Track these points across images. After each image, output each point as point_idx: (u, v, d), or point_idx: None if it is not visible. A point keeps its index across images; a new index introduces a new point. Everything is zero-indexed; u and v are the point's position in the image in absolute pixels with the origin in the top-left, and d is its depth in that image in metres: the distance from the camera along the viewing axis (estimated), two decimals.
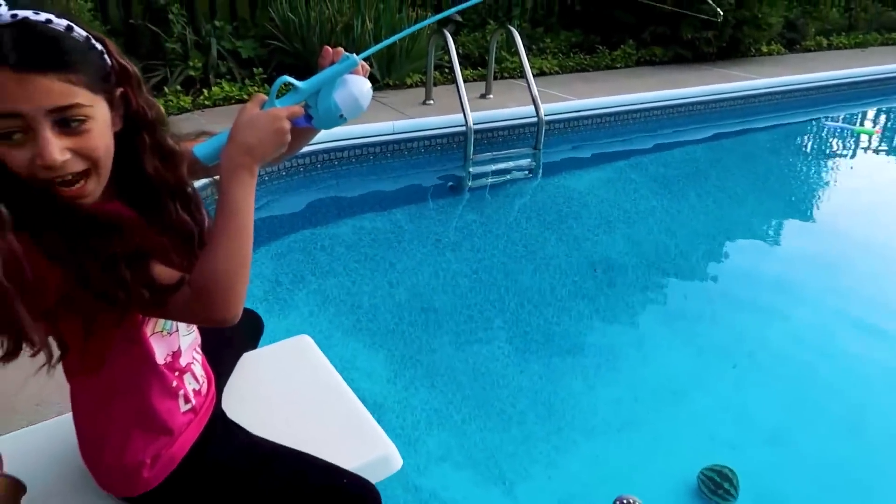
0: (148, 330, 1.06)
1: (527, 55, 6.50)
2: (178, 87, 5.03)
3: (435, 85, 5.54)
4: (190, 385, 1.17)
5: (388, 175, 4.70)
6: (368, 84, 1.09)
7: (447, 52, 6.22)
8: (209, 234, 1.03)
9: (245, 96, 5.04)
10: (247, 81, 5.27)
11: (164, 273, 0.97)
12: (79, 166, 0.91)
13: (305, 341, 1.57)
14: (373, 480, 1.16)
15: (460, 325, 3.21)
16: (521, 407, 2.67)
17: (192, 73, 5.17)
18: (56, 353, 0.96)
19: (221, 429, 1.22)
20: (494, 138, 5.01)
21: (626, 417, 2.59)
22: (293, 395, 1.40)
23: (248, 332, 1.57)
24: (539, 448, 2.43)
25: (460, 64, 6.21)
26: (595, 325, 3.25)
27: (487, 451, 2.39)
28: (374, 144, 4.57)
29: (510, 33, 4.93)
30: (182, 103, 4.77)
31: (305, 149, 4.10)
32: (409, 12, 5.95)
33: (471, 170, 4.61)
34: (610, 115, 5.55)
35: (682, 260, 3.96)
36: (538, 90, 5.00)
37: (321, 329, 3.14)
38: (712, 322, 3.33)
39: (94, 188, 0.94)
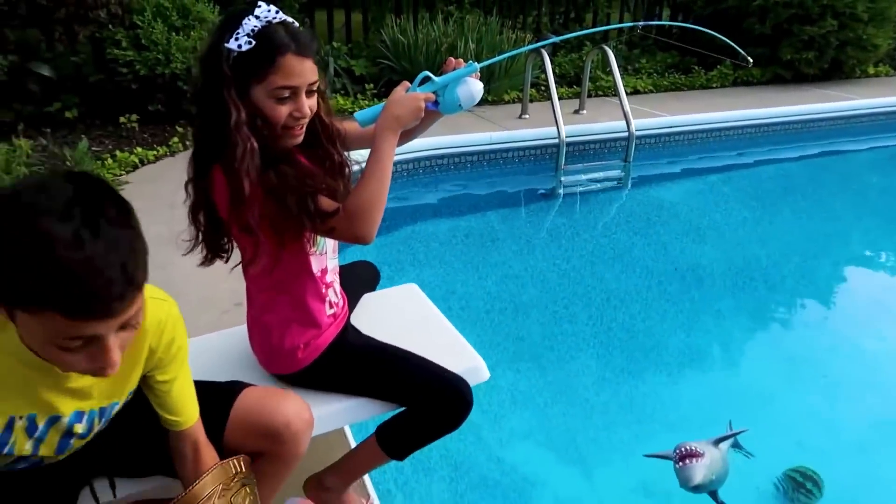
0: (308, 248, 1.43)
1: (621, 75, 6.75)
2: None
3: (531, 101, 5.87)
4: (332, 296, 1.53)
5: (483, 181, 5.05)
6: (481, 85, 1.49)
7: (543, 70, 6.57)
8: (360, 176, 1.39)
9: (356, 110, 5.54)
10: (359, 96, 5.79)
11: (327, 203, 1.34)
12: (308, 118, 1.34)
13: (413, 288, 1.93)
14: (474, 383, 1.51)
15: (546, 317, 3.47)
16: (604, 397, 2.85)
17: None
18: (247, 257, 1.36)
19: (352, 331, 1.58)
20: (586, 151, 5.27)
21: (708, 416, 2.68)
22: (402, 322, 1.76)
23: (369, 279, 1.94)
24: (619, 436, 2.58)
25: (557, 82, 6.54)
26: (680, 327, 3.37)
27: (568, 434, 2.58)
28: (471, 153, 4.93)
29: (605, 53, 5.18)
30: None
31: (407, 155, 4.62)
32: (509, 34, 6.31)
33: (562, 179, 4.88)
34: (702, 131, 5.68)
35: (773, 270, 4.03)
36: (631, 107, 5.22)
37: None
38: (803, 332, 3.40)
39: (302, 133, 1.37)
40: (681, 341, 3.23)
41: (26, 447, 1.06)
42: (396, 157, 4.50)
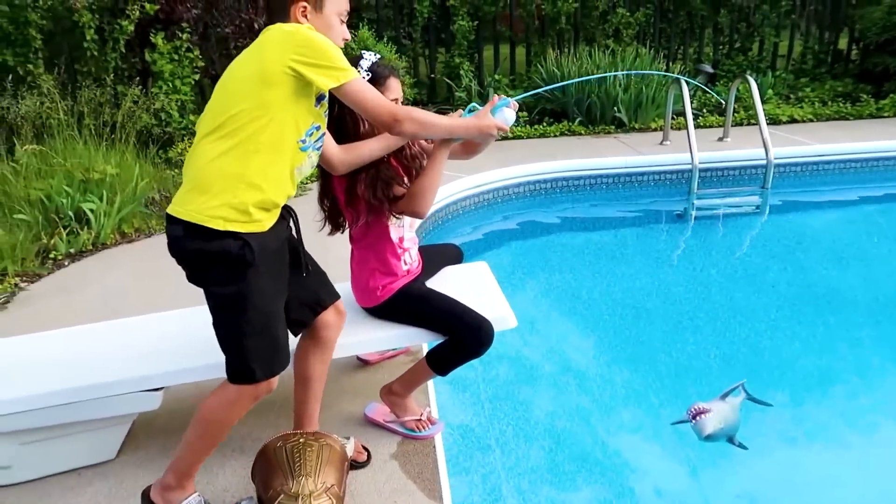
0: (388, 221, 2.09)
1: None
2: None
3: (679, 129, 6.10)
4: (406, 258, 2.17)
5: (618, 201, 5.41)
6: (514, 114, 1.99)
7: (694, 99, 6.76)
8: (422, 169, 2.02)
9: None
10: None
11: (399, 190, 2.00)
12: None
13: (483, 265, 2.54)
14: (499, 329, 2.08)
15: (669, 326, 3.72)
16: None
17: None
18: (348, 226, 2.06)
19: (418, 283, 2.22)
20: (724, 176, 5.42)
21: (836, 437, 2.78)
22: (463, 282, 2.40)
23: (453, 257, 2.56)
24: (730, 447, 2.67)
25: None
26: (811, 349, 3.41)
27: (678, 434, 2.73)
28: (607, 176, 5.34)
29: (748, 83, 5.32)
30: None
31: (546, 175, 5.13)
32: (659, 65, 6.60)
33: (695, 202, 5.09)
34: (857, 161, 5.55)
35: None
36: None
37: (542, 308, 4.00)
38: None
39: None
40: (811, 363, 3.28)
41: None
42: (539, 176, 5.19)
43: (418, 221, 2.22)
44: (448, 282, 2.34)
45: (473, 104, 2.01)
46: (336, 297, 2.01)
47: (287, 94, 1.61)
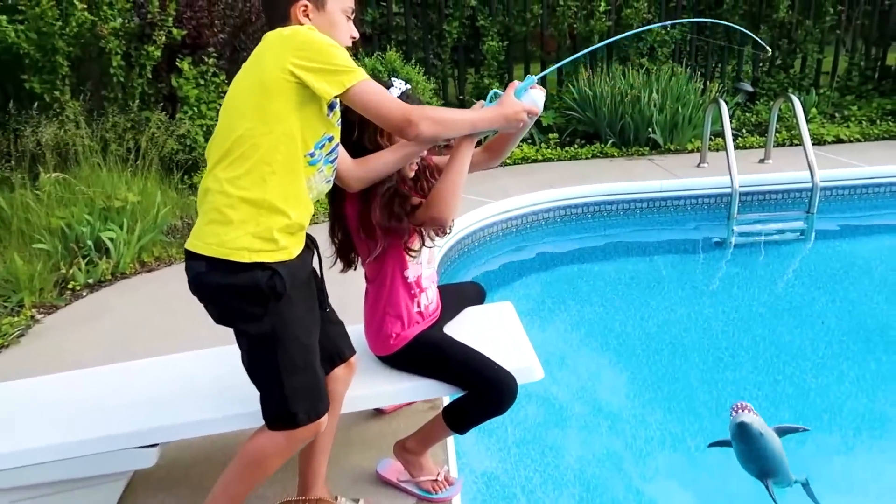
0: (407, 258, 1.91)
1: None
2: None
3: (717, 150, 5.86)
4: (424, 300, 1.99)
5: (653, 227, 5.19)
6: (542, 91, 1.77)
7: (733, 119, 6.51)
8: (444, 171, 1.82)
9: (540, 157, 6.01)
10: (542, 144, 6.25)
11: (416, 200, 1.81)
12: None
13: (507, 305, 2.35)
14: (524, 381, 1.88)
15: (707, 362, 3.53)
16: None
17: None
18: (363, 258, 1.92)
19: (436, 330, 2.03)
20: (766, 200, 5.17)
21: (886, 484, 2.61)
22: (486, 326, 2.21)
23: (474, 297, 2.37)
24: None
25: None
26: (861, 388, 3.22)
27: (716, 480, 2.62)
28: (641, 200, 5.13)
29: (792, 102, 5.07)
30: None
31: (577, 199, 4.94)
32: (696, 84, 6.37)
33: (735, 228, 4.85)
34: None
35: None
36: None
37: (572, 343, 3.82)
38: None
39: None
40: (861, 405, 3.09)
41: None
42: (569, 201, 4.99)
43: (437, 257, 2.05)
44: (469, 326, 2.17)
45: (495, 91, 1.77)
46: (353, 351, 1.88)
47: (292, 102, 1.49)
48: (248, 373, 1.64)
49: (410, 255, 1.92)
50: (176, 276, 3.97)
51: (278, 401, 1.60)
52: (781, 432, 2.42)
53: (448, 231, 1.95)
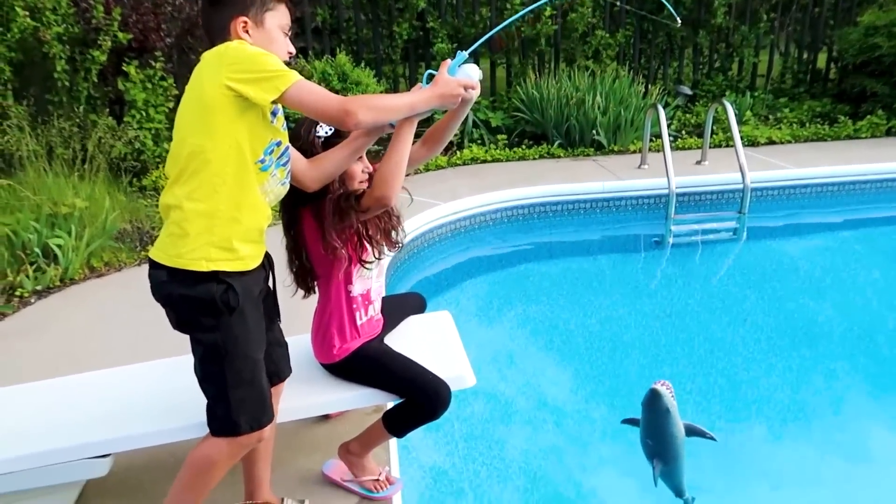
0: (354, 272, 2.02)
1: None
2: None
3: (658, 151, 6.10)
4: (371, 311, 2.12)
5: (596, 227, 5.40)
6: (477, 68, 1.79)
7: (674, 120, 6.78)
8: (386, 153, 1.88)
9: (489, 158, 6.16)
10: (491, 146, 6.40)
11: (359, 186, 1.94)
12: None
13: (446, 314, 2.50)
14: (456, 388, 2.03)
15: (646, 358, 3.73)
16: (695, 442, 2.98)
17: (451, 138, 6.45)
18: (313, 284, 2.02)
19: (377, 342, 2.16)
20: (701, 201, 5.43)
21: (807, 471, 2.80)
22: (423, 335, 2.35)
23: (416, 306, 2.51)
24: (707, 478, 2.75)
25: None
26: (787, 381, 3.44)
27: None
28: (584, 201, 5.33)
29: (724, 106, 5.33)
30: (439, 163, 6.03)
31: (524, 200, 5.10)
32: (638, 87, 6.61)
33: (672, 227, 5.09)
34: (834, 184, 5.57)
35: None
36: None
37: (518, 340, 3.98)
38: None
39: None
40: (787, 397, 3.30)
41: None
42: (516, 202, 5.13)
43: (385, 263, 2.18)
44: (408, 335, 2.31)
45: (430, 71, 1.79)
46: (290, 371, 2.00)
47: (234, 115, 1.58)
48: (198, 380, 1.74)
49: (365, 268, 2.03)
50: (126, 282, 4.00)
51: (223, 410, 1.69)
52: (690, 430, 2.49)
53: (400, 245, 2.10)
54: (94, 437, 1.94)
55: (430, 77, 1.76)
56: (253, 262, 1.71)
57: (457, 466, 2.89)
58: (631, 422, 2.57)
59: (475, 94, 1.78)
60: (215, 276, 1.62)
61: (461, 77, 1.74)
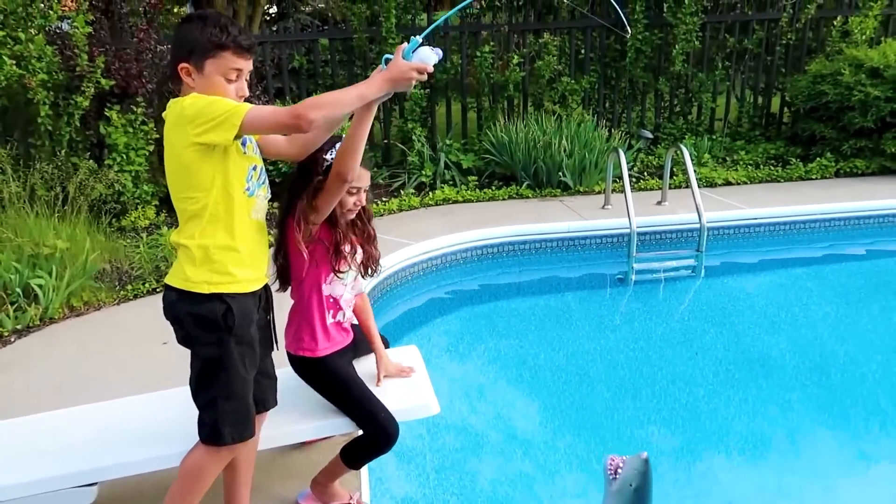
0: (327, 279, 2.20)
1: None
2: (412, 191, 6.57)
3: (621, 192, 6.38)
4: (340, 316, 2.27)
5: (562, 265, 5.62)
6: (431, 51, 1.82)
7: (637, 162, 7.09)
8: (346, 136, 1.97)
9: (460, 199, 6.40)
10: (462, 186, 6.65)
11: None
12: None
13: (413, 348, 2.67)
14: (422, 416, 2.24)
15: (611, 391, 3.90)
16: (661, 471, 3.04)
17: (423, 179, 6.71)
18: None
19: (342, 359, 2.31)
20: (662, 240, 5.70)
21: (766, 497, 2.91)
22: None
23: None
24: None
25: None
26: (744, 412, 3.61)
27: None
28: (551, 240, 5.57)
29: (681, 150, 5.64)
30: (412, 203, 6.25)
31: (493, 240, 5.33)
32: (603, 131, 6.94)
33: (634, 265, 5.33)
34: (786, 224, 5.88)
35: (852, 367, 4.08)
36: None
37: (490, 377, 4.14)
38: (880, 432, 3.44)
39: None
40: (743, 427, 3.47)
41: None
42: (486, 241, 5.28)
43: (361, 283, 2.35)
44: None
45: (387, 56, 1.84)
46: (276, 403, 2.17)
47: (213, 162, 1.80)
48: (192, 392, 1.93)
49: (338, 276, 2.21)
50: (105, 321, 4.10)
51: (211, 419, 1.88)
52: None
53: (377, 271, 2.34)
54: (81, 467, 2.06)
55: (387, 61, 1.82)
56: (250, 286, 1.93)
57: (428, 496, 3.00)
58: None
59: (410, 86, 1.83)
60: (218, 297, 1.84)
61: (415, 60, 1.80)
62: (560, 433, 3.51)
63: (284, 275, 2.26)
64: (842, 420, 3.55)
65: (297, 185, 2.12)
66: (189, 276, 1.86)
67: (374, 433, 2.17)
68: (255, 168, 1.92)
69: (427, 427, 3.44)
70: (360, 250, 2.28)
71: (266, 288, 2.04)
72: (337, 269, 2.19)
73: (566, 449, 3.34)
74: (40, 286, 4.05)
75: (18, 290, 4.01)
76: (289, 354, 2.31)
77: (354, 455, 2.23)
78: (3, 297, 3.98)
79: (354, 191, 2.13)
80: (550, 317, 4.97)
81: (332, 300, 2.26)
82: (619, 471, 2.09)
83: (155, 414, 2.33)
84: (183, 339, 1.93)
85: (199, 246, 1.85)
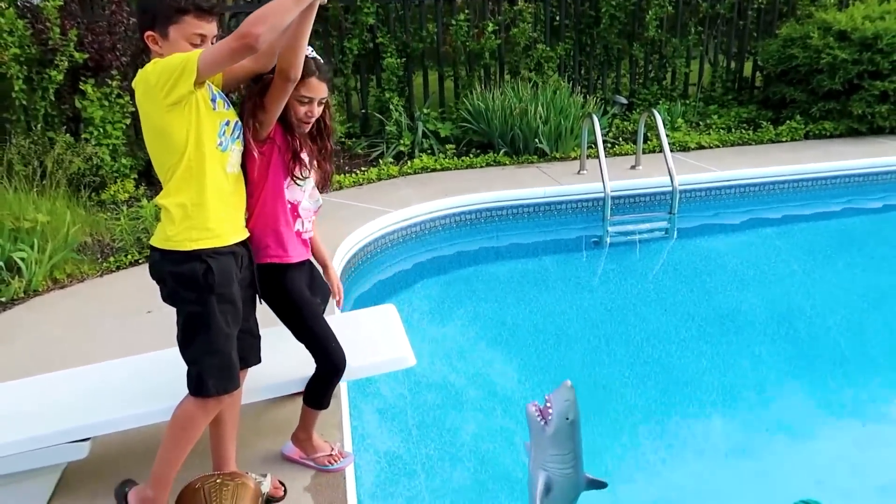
0: (285, 183, 2.17)
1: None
2: (391, 160, 6.63)
3: (596, 158, 6.49)
4: (298, 225, 2.23)
5: (540, 230, 5.75)
6: None
7: (612, 128, 7.20)
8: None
9: (438, 167, 6.47)
10: (440, 155, 6.72)
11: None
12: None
13: (391, 307, 2.78)
14: (399, 368, 2.35)
15: (588, 348, 4.04)
16: (634, 420, 3.28)
17: (402, 148, 6.76)
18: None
19: (300, 286, 2.27)
20: (636, 203, 5.83)
21: (735, 446, 3.06)
22: (368, 323, 2.64)
23: None
24: (645, 458, 3.01)
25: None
26: (716, 365, 3.76)
27: (596, 450, 2.91)
28: (528, 205, 5.68)
29: (654, 115, 5.75)
30: (391, 172, 6.32)
31: (471, 206, 5.42)
32: (577, 97, 7.02)
33: (609, 228, 5.47)
34: (755, 185, 6.04)
35: (818, 321, 4.27)
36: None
37: (470, 338, 4.26)
38: (843, 381, 3.61)
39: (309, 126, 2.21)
40: (715, 379, 3.61)
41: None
42: (464, 208, 5.35)
43: (318, 196, 2.34)
44: (356, 324, 2.58)
45: None
46: (258, 361, 2.25)
47: (183, 122, 1.88)
48: (179, 347, 2.03)
49: (297, 183, 2.19)
50: (89, 293, 4.16)
51: (196, 373, 1.98)
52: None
53: (328, 187, 2.36)
54: (74, 423, 2.16)
55: None
56: (230, 238, 2.01)
57: (410, 450, 3.12)
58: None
59: None
60: (198, 256, 1.92)
61: None
62: (538, 389, 3.62)
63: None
64: (808, 371, 3.71)
65: (250, 88, 2.10)
66: (170, 236, 1.94)
67: (323, 360, 2.25)
68: (227, 123, 1.99)
69: (408, 385, 3.57)
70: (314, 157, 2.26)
71: (247, 246, 2.12)
72: (294, 173, 2.16)
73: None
74: (23, 259, 4.10)
75: (1, 263, 4.04)
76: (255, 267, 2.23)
77: (313, 394, 2.32)
78: None
79: (306, 100, 2.09)
80: (528, 279, 5.10)
81: (291, 205, 2.22)
82: (550, 412, 1.96)
83: (144, 375, 2.42)
84: (167, 297, 2.02)
85: (176, 204, 1.92)
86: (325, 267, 2.52)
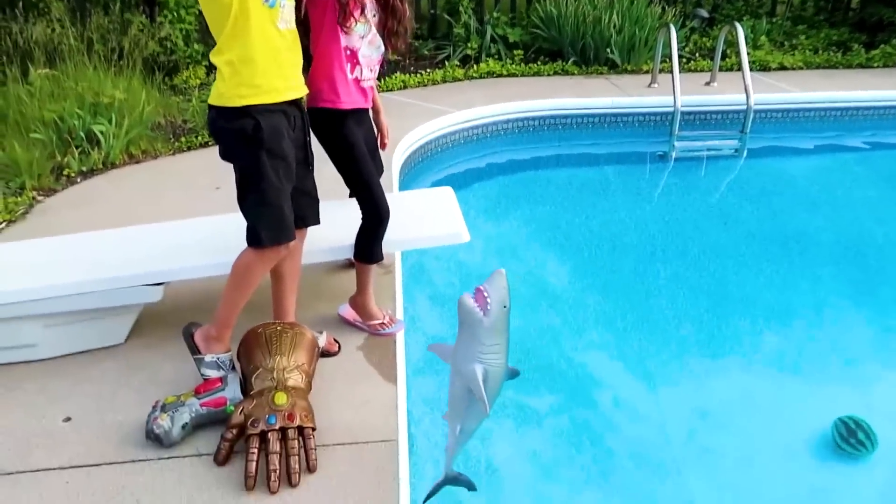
0: (340, 30, 2.19)
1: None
2: (457, 63, 6.53)
3: (669, 72, 6.24)
4: (357, 73, 2.27)
5: (604, 140, 5.64)
6: None
7: (689, 43, 6.87)
8: None
9: (505, 73, 6.35)
10: (507, 60, 6.57)
11: None
12: None
13: (448, 189, 2.82)
14: (453, 242, 2.40)
15: (642, 258, 4.02)
16: (683, 331, 3.28)
17: (469, 51, 6.64)
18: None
19: (357, 127, 2.34)
20: (706, 120, 5.63)
21: (787, 363, 3.03)
22: (425, 202, 2.71)
23: None
24: (690, 367, 3.01)
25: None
26: (773, 285, 3.68)
27: (641, 357, 3.02)
28: (593, 115, 5.55)
29: (736, 30, 5.45)
30: (457, 75, 6.24)
31: (535, 112, 5.33)
32: (655, 8, 6.68)
33: (676, 144, 5.32)
34: (836, 109, 5.73)
35: (888, 248, 4.10)
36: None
37: (524, 238, 4.28)
38: None
39: None
40: (772, 297, 3.55)
41: None
42: (528, 114, 5.29)
43: (380, 43, 2.34)
44: (413, 200, 2.64)
45: None
46: (317, 221, 2.33)
47: None
48: (238, 202, 2.11)
49: (345, 31, 2.21)
50: (163, 168, 4.35)
51: (252, 223, 2.08)
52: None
53: (398, 46, 2.36)
54: (151, 268, 2.33)
55: None
56: (279, 96, 2.04)
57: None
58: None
59: None
60: (248, 112, 1.98)
61: None
62: (588, 291, 3.67)
63: (305, 36, 2.23)
64: (870, 297, 3.61)
65: None
66: (221, 93, 1.99)
67: (368, 206, 2.32)
68: None
69: (460, 276, 3.66)
70: (376, 12, 2.28)
71: (300, 108, 2.16)
72: (343, 22, 2.18)
73: (594, 306, 3.50)
74: (101, 132, 4.29)
75: (82, 134, 4.25)
76: (309, 112, 2.28)
77: (361, 247, 2.40)
78: (69, 141, 4.24)
79: None
80: (588, 188, 5.05)
81: (349, 52, 2.24)
82: (488, 301, 1.75)
83: (214, 233, 2.56)
84: (223, 154, 2.10)
85: (226, 62, 1.96)
86: (377, 112, 2.56)
